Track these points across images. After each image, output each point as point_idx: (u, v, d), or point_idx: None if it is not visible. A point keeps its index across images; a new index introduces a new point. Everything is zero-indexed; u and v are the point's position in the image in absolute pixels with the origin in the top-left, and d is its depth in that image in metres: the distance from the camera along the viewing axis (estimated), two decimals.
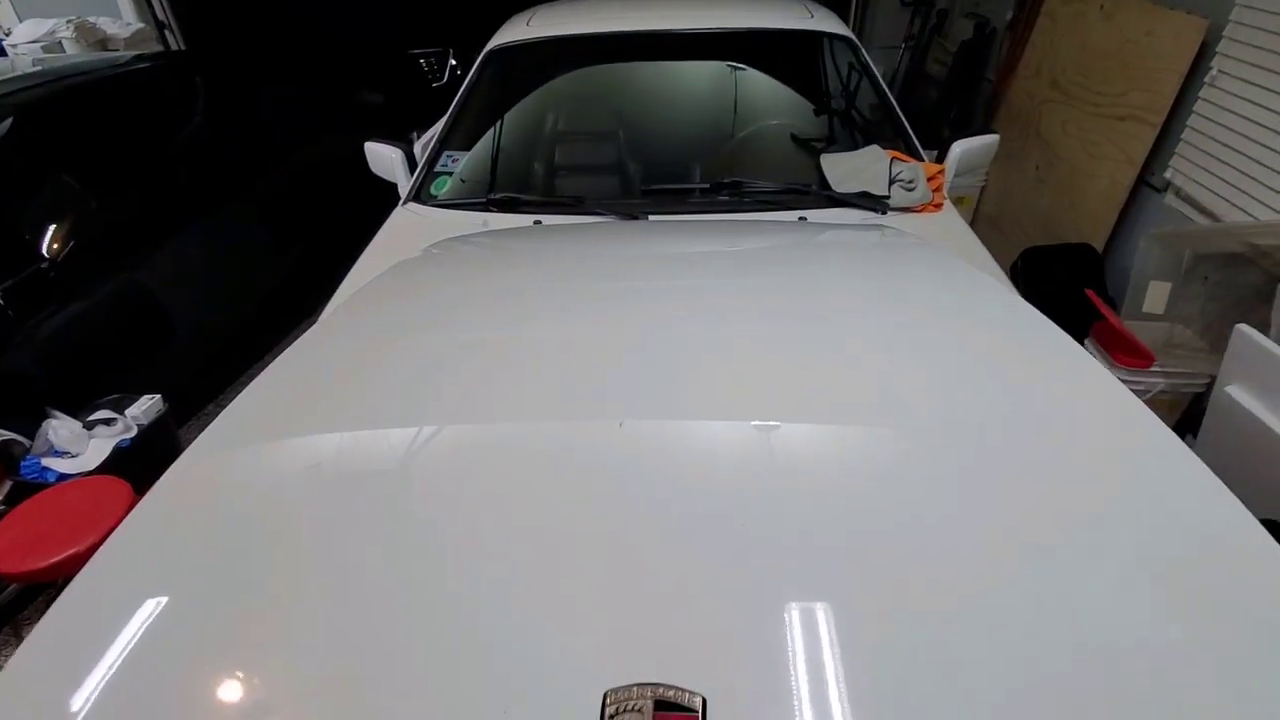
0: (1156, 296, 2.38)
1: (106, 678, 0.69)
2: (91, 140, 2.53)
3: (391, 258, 1.84)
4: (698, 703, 0.62)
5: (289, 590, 0.76)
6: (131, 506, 1.68)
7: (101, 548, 0.84)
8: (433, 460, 0.91)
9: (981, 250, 1.74)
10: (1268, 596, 0.72)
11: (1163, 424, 0.95)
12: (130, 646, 0.71)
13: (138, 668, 0.70)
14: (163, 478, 0.94)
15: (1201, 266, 2.32)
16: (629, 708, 0.62)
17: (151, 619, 0.74)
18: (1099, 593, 0.71)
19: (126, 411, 2.05)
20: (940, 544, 0.76)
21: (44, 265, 2.17)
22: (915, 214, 1.87)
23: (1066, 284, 2.56)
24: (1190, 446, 2.25)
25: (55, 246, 2.23)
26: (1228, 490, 0.84)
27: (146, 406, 2.07)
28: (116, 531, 0.87)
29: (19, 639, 1.82)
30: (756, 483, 0.84)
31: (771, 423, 0.91)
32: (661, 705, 0.62)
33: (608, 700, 0.62)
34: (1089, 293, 2.35)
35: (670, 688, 0.63)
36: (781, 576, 0.73)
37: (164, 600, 0.76)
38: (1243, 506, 0.82)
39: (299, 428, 1.00)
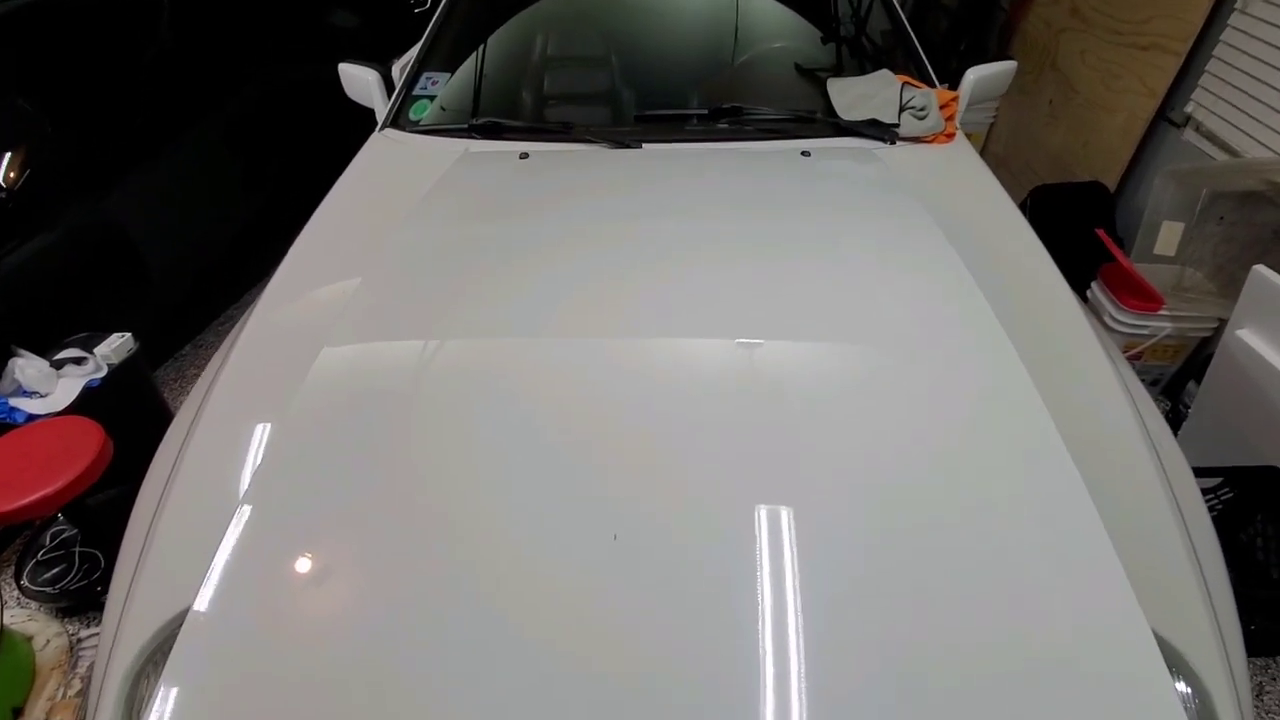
0: (1169, 238, 2.30)
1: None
2: (50, 61, 2.35)
3: (368, 186, 1.74)
4: None
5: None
6: (103, 447, 1.64)
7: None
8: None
9: (994, 182, 1.64)
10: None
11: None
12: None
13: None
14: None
15: (1217, 206, 2.23)
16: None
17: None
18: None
19: (96, 350, 1.96)
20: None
21: (1, 195, 2.04)
22: (926, 144, 1.76)
23: (1076, 223, 2.47)
24: (1194, 391, 2.18)
25: (12, 175, 2.09)
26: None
27: (117, 345, 1.97)
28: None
29: None
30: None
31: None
32: None
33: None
34: (1099, 232, 2.26)
35: None
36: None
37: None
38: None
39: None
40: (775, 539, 0.85)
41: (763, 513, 0.88)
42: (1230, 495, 1.77)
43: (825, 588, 0.81)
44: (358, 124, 2.12)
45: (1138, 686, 0.74)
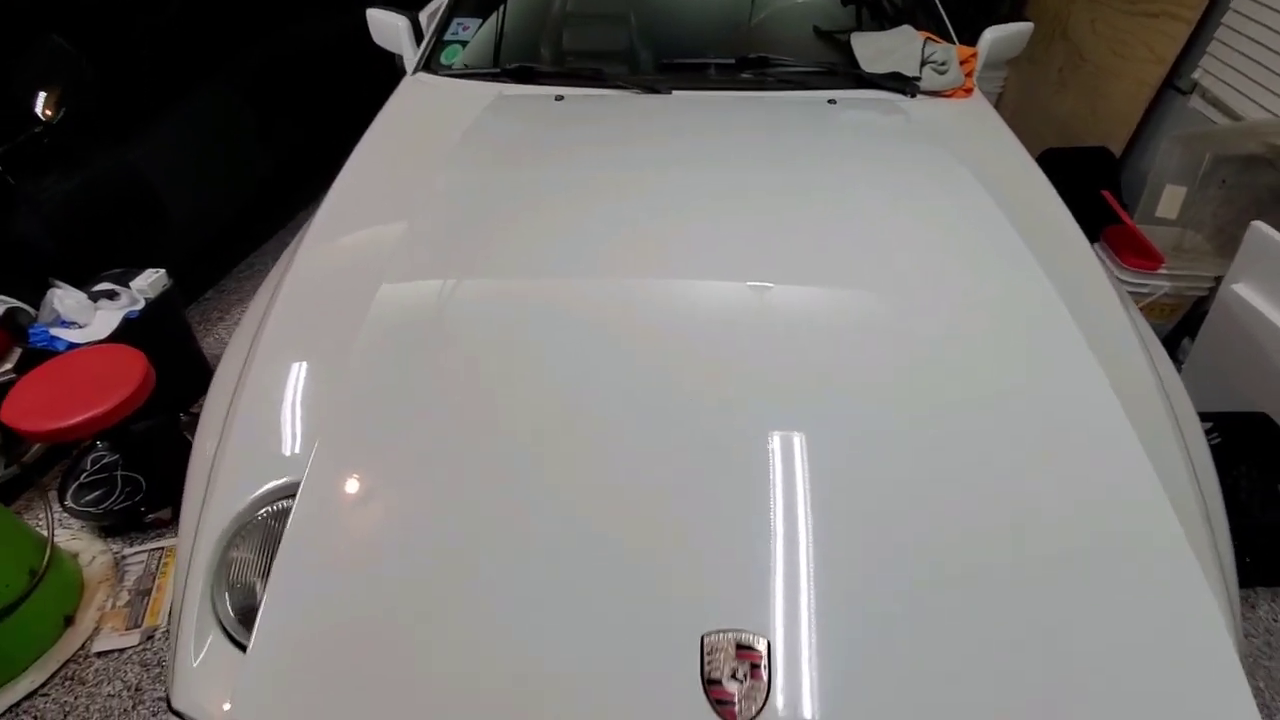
0: (1171, 201, 2.37)
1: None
2: (85, 4, 2.35)
3: (404, 128, 1.79)
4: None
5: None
6: (147, 374, 1.71)
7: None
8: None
9: (1011, 136, 1.71)
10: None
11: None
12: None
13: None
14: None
15: (1220, 170, 2.30)
16: None
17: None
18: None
19: (131, 284, 2.01)
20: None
21: (39, 131, 2.07)
22: (945, 98, 1.82)
23: (1082, 187, 2.53)
24: (1188, 348, 2.26)
25: (49, 113, 2.12)
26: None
27: (152, 280, 2.03)
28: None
29: (45, 501, 1.85)
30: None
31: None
32: None
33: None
34: (1105, 194, 2.33)
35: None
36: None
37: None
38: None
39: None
40: (805, 423, 0.98)
41: (799, 397, 1.01)
42: (1219, 440, 1.87)
43: (855, 466, 0.92)
44: (380, 73, 2.16)
45: (1156, 547, 0.87)
